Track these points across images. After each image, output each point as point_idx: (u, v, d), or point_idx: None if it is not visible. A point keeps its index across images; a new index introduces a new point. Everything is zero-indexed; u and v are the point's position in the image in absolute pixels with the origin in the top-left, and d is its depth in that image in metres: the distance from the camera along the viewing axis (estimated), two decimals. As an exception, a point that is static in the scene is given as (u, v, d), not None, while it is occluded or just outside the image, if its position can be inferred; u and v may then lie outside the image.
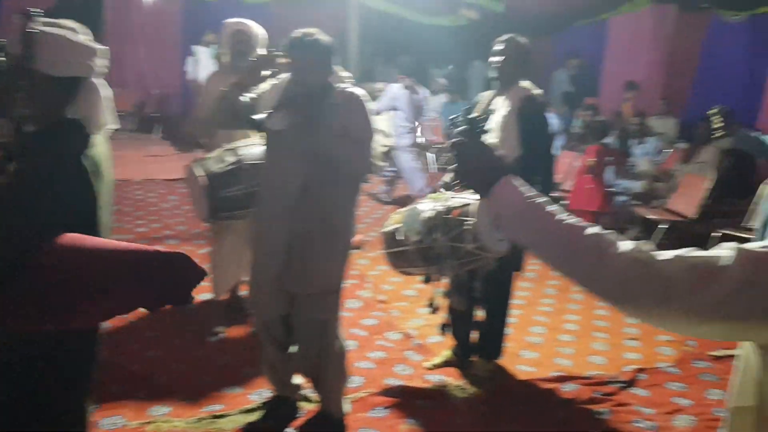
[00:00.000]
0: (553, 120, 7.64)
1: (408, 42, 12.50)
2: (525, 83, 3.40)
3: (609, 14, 9.96)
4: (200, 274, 1.76)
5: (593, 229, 1.12)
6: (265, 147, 2.88)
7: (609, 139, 7.03)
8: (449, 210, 2.93)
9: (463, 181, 1.30)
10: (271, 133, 2.76)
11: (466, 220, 2.83)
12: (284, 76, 2.83)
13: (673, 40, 9.05)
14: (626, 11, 9.56)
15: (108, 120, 1.99)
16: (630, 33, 9.75)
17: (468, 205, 2.93)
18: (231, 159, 3.42)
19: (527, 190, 1.20)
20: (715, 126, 6.49)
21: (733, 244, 1.06)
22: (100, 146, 1.95)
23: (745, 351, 1.18)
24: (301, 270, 2.76)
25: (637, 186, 6.75)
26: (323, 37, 2.66)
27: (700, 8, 8.57)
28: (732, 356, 3.24)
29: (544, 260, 1.17)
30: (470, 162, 1.27)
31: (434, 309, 3.17)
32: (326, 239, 2.78)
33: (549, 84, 10.72)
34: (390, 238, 3.10)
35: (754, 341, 1.11)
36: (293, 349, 3.00)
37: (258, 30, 3.91)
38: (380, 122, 9.14)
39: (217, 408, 3.13)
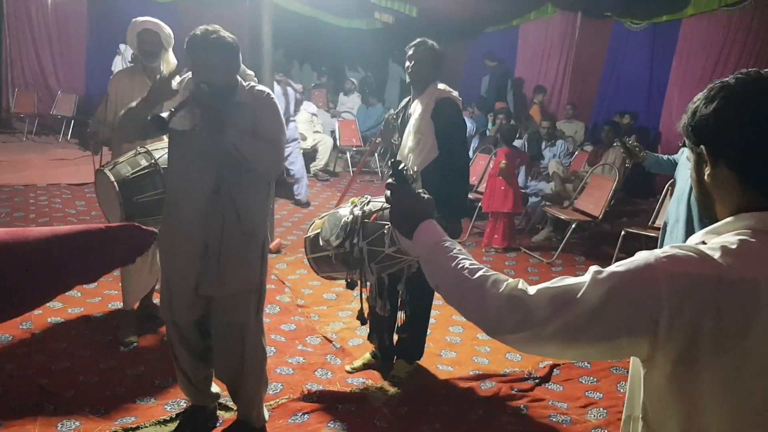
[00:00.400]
0: (468, 123, 7.82)
1: (325, 45, 12.49)
2: (441, 85, 3.44)
3: (519, 20, 10.27)
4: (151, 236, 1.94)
5: (482, 272, 1.22)
6: (170, 148, 2.77)
7: (520, 142, 7.25)
8: (368, 214, 2.94)
9: (392, 224, 1.49)
10: (177, 133, 2.66)
11: (384, 224, 2.85)
12: (188, 74, 2.74)
13: (578, 47, 9.43)
14: (535, 18, 9.89)
15: None
16: (539, 39, 10.09)
17: (386, 209, 2.94)
18: (144, 162, 3.28)
19: (439, 235, 1.35)
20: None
21: (592, 269, 1.11)
22: None
23: (633, 363, 1.21)
24: (217, 272, 2.68)
25: (548, 187, 6.99)
26: (227, 34, 2.59)
27: (604, 16, 8.96)
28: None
29: (445, 299, 1.30)
30: (398, 209, 1.44)
31: (363, 320, 3.16)
32: (241, 240, 2.72)
33: (472, 89, 10.96)
34: (312, 244, 3.09)
35: (633, 356, 1.15)
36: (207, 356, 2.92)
37: (165, 29, 3.78)
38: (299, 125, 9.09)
39: (130, 420, 3.01)
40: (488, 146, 7.92)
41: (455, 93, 3.47)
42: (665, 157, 4.14)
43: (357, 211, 2.95)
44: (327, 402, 3.29)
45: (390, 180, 1.49)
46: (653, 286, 1.03)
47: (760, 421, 1.05)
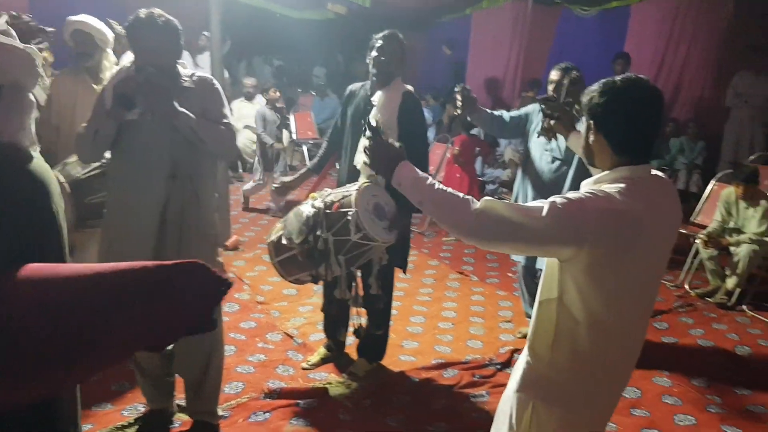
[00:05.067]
0: (425, 113, 7.83)
1: (276, 36, 12.33)
2: (399, 79, 3.36)
3: (472, 9, 10.29)
4: (223, 285, 1.39)
5: (463, 195, 1.69)
6: (116, 140, 2.62)
7: (476, 131, 7.28)
8: (329, 205, 2.90)
9: (374, 170, 1.91)
10: (124, 123, 2.55)
11: (348, 212, 2.82)
12: (127, 62, 2.66)
13: (530, 34, 9.50)
14: (488, 6, 9.92)
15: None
16: (491, 27, 10.13)
17: (347, 196, 2.91)
18: (96, 162, 3.19)
19: (418, 172, 1.79)
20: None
21: (552, 198, 1.60)
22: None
23: (549, 263, 1.72)
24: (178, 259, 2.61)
25: (504, 174, 7.05)
26: (169, 17, 2.53)
27: (554, 3, 9.04)
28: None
29: (429, 214, 1.76)
30: (378, 156, 1.88)
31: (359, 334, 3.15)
32: (202, 225, 2.67)
33: (428, 79, 10.96)
34: (276, 247, 3.01)
35: (556, 257, 1.67)
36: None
37: (99, 29, 3.66)
38: (250, 120, 8.97)
39: (86, 428, 2.93)
40: (445, 135, 7.94)
41: (410, 87, 3.43)
42: (507, 115, 4.03)
43: (318, 204, 2.92)
44: (289, 399, 3.26)
45: (369, 133, 1.86)
46: (586, 214, 1.58)
47: (628, 296, 1.69)
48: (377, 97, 3.31)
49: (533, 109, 3.97)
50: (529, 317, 4.24)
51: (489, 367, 3.74)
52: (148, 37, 2.49)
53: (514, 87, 9.79)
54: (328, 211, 2.89)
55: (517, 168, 7.02)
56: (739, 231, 4.93)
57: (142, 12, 2.49)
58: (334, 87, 11.78)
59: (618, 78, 1.69)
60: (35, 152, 1.67)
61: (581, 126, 3.26)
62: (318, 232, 2.86)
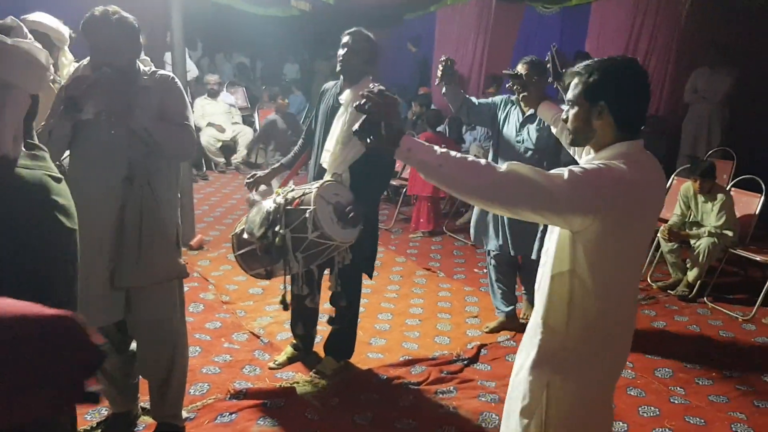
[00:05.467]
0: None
1: (240, 34, 12.20)
2: (370, 78, 3.32)
3: (437, 6, 10.31)
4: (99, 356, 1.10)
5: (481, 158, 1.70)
6: (72, 139, 2.55)
7: (441, 128, 7.31)
8: (290, 201, 2.89)
9: (383, 135, 1.71)
10: (78, 124, 2.49)
11: (306, 209, 2.81)
12: (83, 61, 2.60)
13: (493, 31, 9.56)
14: (452, 3, 9.95)
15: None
16: (456, 24, 10.17)
17: (308, 193, 2.91)
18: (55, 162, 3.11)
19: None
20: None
21: (569, 167, 1.67)
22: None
23: (560, 236, 1.79)
24: (137, 262, 2.54)
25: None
26: (127, 15, 2.47)
27: (517, 0, 9.11)
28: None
29: (446, 179, 1.66)
30: (379, 122, 1.71)
31: (285, 306, 3.12)
32: (161, 227, 2.61)
33: (394, 77, 10.94)
34: (239, 240, 3.02)
35: (569, 228, 1.74)
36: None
37: (55, 27, 3.56)
38: (214, 117, 8.87)
39: (46, 435, 2.85)
40: (410, 132, 7.94)
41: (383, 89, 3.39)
42: (477, 101, 4.12)
43: (279, 200, 2.91)
44: (255, 399, 3.23)
45: (375, 96, 1.74)
46: (602, 183, 1.66)
47: (630, 263, 1.86)
48: (345, 96, 3.29)
49: (501, 99, 4.12)
50: (500, 311, 4.36)
51: (456, 363, 3.75)
52: (102, 35, 2.43)
53: (479, 83, 9.84)
54: (288, 207, 2.88)
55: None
56: (698, 224, 5.03)
57: (97, 10, 2.43)
58: (299, 84, 11.71)
59: (614, 57, 1.81)
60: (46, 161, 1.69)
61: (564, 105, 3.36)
62: (277, 228, 2.85)
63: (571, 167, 1.67)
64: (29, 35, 1.72)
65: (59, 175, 1.82)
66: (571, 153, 2.40)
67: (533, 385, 1.87)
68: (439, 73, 3.80)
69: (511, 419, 1.96)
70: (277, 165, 3.61)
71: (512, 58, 9.83)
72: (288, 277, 3.11)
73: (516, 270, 4.33)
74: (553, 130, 2.90)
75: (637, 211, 1.74)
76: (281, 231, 2.85)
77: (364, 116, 1.74)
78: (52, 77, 1.66)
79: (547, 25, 9.38)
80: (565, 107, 1.89)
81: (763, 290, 4.59)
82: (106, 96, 2.39)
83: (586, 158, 1.85)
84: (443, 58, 3.81)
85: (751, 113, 6.80)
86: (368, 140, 1.74)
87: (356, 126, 1.76)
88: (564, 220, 1.71)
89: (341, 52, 3.26)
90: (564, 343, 1.83)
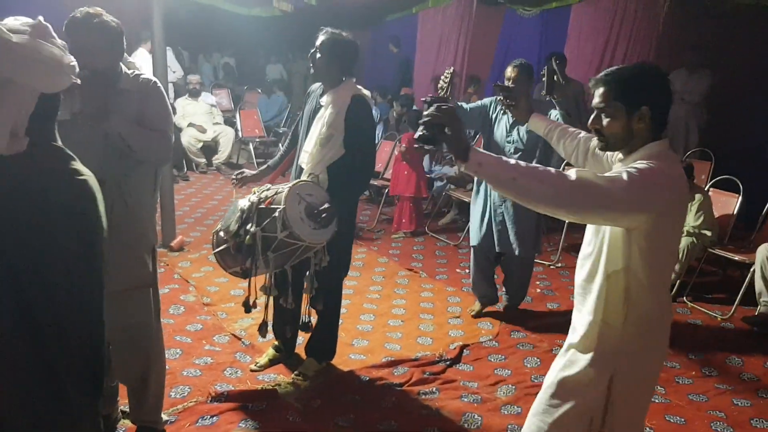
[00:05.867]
0: (373, 112, 7.81)
1: (223, 34, 12.14)
2: (352, 81, 3.31)
3: (419, 8, 10.33)
4: None
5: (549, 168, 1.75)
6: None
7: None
8: (263, 200, 2.91)
9: (447, 148, 1.76)
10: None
11: (275, 209, 2.81)
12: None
13: (474, 33, 9.60)
14: (434, 5, 9.98)
15: None
16: (437, 26, 10.19)
17: (280, 193, 2.92)
18: None
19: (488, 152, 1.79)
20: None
21: (623, 169, 1.78)
22: None
23: (612, 236, 1.88)
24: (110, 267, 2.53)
25: (452, 171, 7.09)
26: (110, 18, 2.45)
27: (497, 3, 9.15)
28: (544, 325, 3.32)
29: (520, 190, 1.71)
30: (451, 133, 1.76)
31: (248, 308, 3.10)
32: (131, 233, 2.58)
33: (376, 77, 10.93)
34: (217, 238, 3.03)
35: (629, 225, 1.83)
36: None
37: None
38: (195, 117, 8.80)
39: (23, 440, 2.81)
40: (392, 133, 7.95)
41: (366, 92, 3.39)
42: (467, 106, 4.23)
43: (253, 198, 2.92)
44: (237, 401, 3.20)
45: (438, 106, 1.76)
46: (657, 183, 1.77)
47: (672, 256, 1.99)
48: (325, 98, 3.28)
49: (490, 101, 4.22)
50: (481, 297, 4.52)
51: (439, 364, 3.76)
52: (83, 37, 2.40)
53: (460, 84, 9.87)
54: (261, 206, 2.90)
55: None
56: (677, 224, 5.08)
57: (79, 12, 2.41)
58: (282, 84, 11.67)
59: (641, 64, 1.99)
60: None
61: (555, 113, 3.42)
62: (248, 226, 2.86)
63: (626, 169, 1.77)
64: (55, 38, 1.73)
65: (84, 177, 1.81)
66: (572, 158, 2.43)
67: (596, 382, 1.96)
68: (443, 84, 3.83)
69: (565, 414, 2.01)
70: (264, 167, 3.61)
71: (494, 61, 9.88)
72: (257, 278, 3.12)
73: (493, 266, 4.51)
74: (553, 141, 2.79)
75: (677, 205, 1.88)
76: (252, 229, 2.86)
77: (421, 128, 1.77)
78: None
79: (528, 28, 9.44)
80: (554, 114, 1.96)
81: (741, 289, 4.64)
82: (83, 98, 2.37)
83: (627, 160, 1.91)
84: (449, 71, 3.85)
85: (728, 114, 6.88)
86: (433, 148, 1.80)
87: (417, 135, 1.80)
88: (627, 219, 1.81)
89: (313, 54, 3.24)
90: (623, 339, 1.93)
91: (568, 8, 8.49)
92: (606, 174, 1.78)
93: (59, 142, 1.81)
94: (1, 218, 1.64)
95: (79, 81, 1.86)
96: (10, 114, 1.57)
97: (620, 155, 1.98)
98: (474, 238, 4.39)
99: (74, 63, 1.72)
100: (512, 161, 1.73)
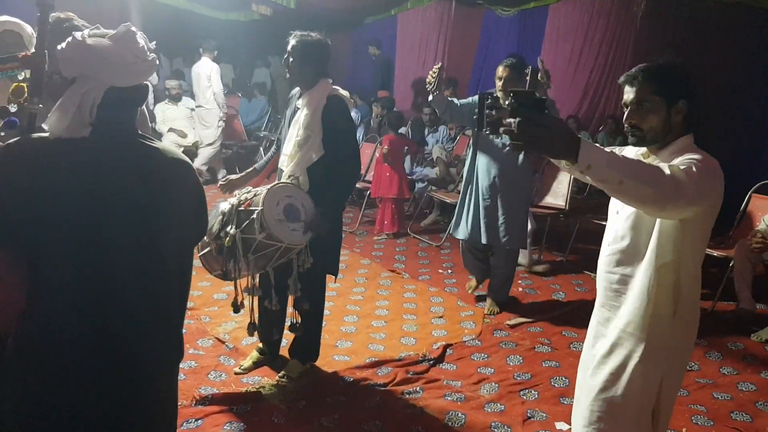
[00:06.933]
0: (353, 113, 7.83)
1: (203, 39, 12.09)
2: (328, 81, 3.32)
3: (398, 9, 10.37)
4: None
5: (649, 163, 1.87)
6: None
7: (403, 130, 7.35)
8: (243, 202, 2.92)
9: (553, 154, 1.64)
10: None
11: (254, 210, 2.83)
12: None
13: (453, 34, 9.66)
14: (413, 7, 10.02)
15: None
16: (417, 27, 10.24)
17: (258, 195, 2.94)
18: None
19: (599, 147, 1.65)
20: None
21: (680, 165, 1.78)
22: None
23: (661, 228, 1.90)
24: None
25: (433, 172, 7.13)
26: (81, 22, 2.44)
27: (476, 4, 9.21)
28: (526, 323, 3.51)
29: (626, 191, 1.66)
30: (550, 135, 1.51)
31: (236, 308, 3.11)
32: None
33: (357, 80, 10.95)
34: (201, 241, 3.02)
35: (686, 216, 1.85)
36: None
37: (27, 28, 3.49)
38: (175, 122, 8.76)
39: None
40: (373, 135, 7.97)
41: (345, 92, 3.40)
42: (458, 102, 4.34)
43: (234, 200, 2.94)
44: (222, 404, 3.20)
45: (519, 112, 1.48)
46: (710, 173, 1.82)
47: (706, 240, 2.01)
48: (301, 100, 3.30)
49: (479, 95, 4.25)
50: (476, 274, 4.73)
51: (423, 363, 3.78)
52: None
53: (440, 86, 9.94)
54: (240, 208, 2.91)
55: (445, 166, 7.13)
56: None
57: (52, 16, 2.39)
58: (264, 88, 11.64)
59: (671, 60, 2.10)
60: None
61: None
62: (228, 228, 2.87)
63: (683, 164, 1.78)
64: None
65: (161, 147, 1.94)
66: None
67: (647, 379, 1.97)
68: (430, 79, 4.04)
69: (609, 412, 2.03)
70: (250, 170, 3.62)
71: (475, 61, 9.95)
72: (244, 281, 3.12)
73: (480, 256, 4.67)
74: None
75: (721, 194, 1.91)
76: (231, 231, 2.87)
77: (517, 119, 1.49)
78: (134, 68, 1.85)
79: (506, 28, 9.50)
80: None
81: (721, 286, 4.71)
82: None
83: (662, 154, 1.96)
84: (437, 66, 4.06)
85: (705, 112, 6.99)
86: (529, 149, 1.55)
87: (510, 141, 1.53)
88: (692, 210, 1.83)
89: (286, 59, 3.27)
90: (673, 332, 1.97)
91: (546, 8, 8.57)
92: (675, 168, 1.77)
93: (136, 128, 1.92)
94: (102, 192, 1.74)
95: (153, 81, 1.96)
96: (75, 102, 1.76)
97: (642, 150, 2.03)
98: (461, 232, 4.52)
99: (147, 63, 1.85)
100: (619, 158, 1.63)
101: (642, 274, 1.96)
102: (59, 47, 1.83)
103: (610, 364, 2.04)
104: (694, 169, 1.78)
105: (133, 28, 1.89)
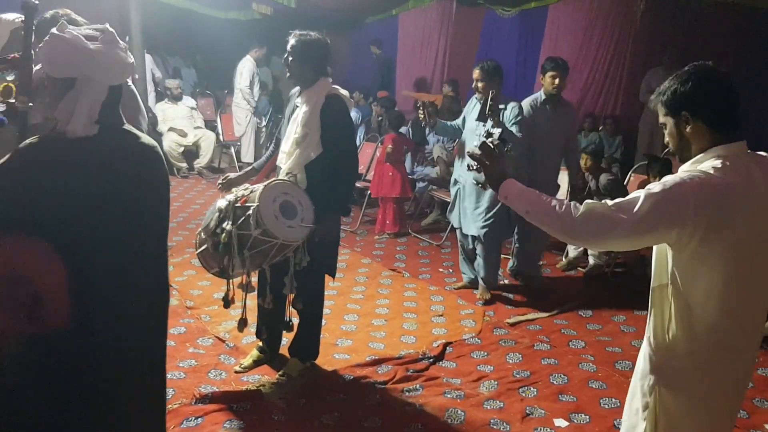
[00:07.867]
0: (354, 113, 7.84)
1: (201, 38, 12.09)
2: (327, 80, 3.34)
3: (399, 9, 10.38)
4: None
5: (565, 201, 1.82)
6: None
7: (404, 129, 7.36)
8: (239, 198, 2.94)
9: (488, 183, 2.03)
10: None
11: (249, 206, 2.84)
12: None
13: (454, 34, 9.66)
14: (414, 7, 10.03)
15: None
16: (418, 27, 10.25)
17: (255, 191, 2.95)
18: None
19: (519, 185, 1.94)
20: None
21: (648, 187, 1.74)
22: None
23: (658, 250, 1.86)
24: None
25: (434, 172, 7.14)
26: (79, 18, 2.45)
27: (477, 4, 9.22)
28: (525, 322, 3.53)
29: (535, 222, 1.86)
30: (490, 169, 1.99)
31: (227, 303, 3.13)
32: None
33: (357, 79, 10.96)
34: (199, 239, 3.06)
35: (663, 242, 1.79)
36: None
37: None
38: (175, 121, 8.77)
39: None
40: (374, 134, 7.98)
41: (344, 92, 3.42)
42: (450, 123, 4.82)
43: (231, 197, 2.96)
44: (221, 403, 3.22)
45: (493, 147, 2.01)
46: (685, 193, 1.68)
47: (739, 274, 1.76)
48: (300, 99, 3.32)
49: (465, 108, 4.78)
50: (465, 275, 5.00)
51: (422, 361, 3.79)
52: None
53: (441, 86, 9.94)
54: (237, 205, 2.93)
55: (446, 165, 7.14)
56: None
57: (49, 13, 2.42)
58: (265, 87, 11.63)
59: (690, 66, 1.84)
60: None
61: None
62: (224, 225, 2.89)
63: (649, 187, 1.75)
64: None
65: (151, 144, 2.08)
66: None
67: (644, 391, 1.95)
68: (422, 117, 4.45)
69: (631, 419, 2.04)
70: (249, 168, 3.64)
71: (476, 61, 9.95)
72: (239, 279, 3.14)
73: (470, 255, 4.96)
74: None
75: (732, 214, 1.70)
76: (227, 227, 2.89)
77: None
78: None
79: (507, 28, 9.51)
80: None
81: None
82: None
83: (683, 166, 1.86)
84: (422, 105, 4.46)
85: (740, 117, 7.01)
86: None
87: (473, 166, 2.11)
88: (654, 238, 1.78)
89: (286, 58, 3.28)
90: (668, 355, 1.87)
91: (546, 8, 8.57)
92: (620, 200, 1.76)
93: (126, 124, 2.05)
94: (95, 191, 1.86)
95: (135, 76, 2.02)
96: (87, 103, 1.89)
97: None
98: (455, 220, 4.90)
99: (132, 61, 1.99)
100: (533, 194, 1.87)
101: (650, 292, 1.93)
102: (53, 45, 1.92)
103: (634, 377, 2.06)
104: (642, 197, 1.71)
105: (111, 29, 2.00)
